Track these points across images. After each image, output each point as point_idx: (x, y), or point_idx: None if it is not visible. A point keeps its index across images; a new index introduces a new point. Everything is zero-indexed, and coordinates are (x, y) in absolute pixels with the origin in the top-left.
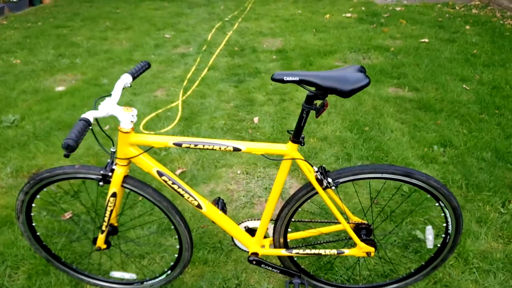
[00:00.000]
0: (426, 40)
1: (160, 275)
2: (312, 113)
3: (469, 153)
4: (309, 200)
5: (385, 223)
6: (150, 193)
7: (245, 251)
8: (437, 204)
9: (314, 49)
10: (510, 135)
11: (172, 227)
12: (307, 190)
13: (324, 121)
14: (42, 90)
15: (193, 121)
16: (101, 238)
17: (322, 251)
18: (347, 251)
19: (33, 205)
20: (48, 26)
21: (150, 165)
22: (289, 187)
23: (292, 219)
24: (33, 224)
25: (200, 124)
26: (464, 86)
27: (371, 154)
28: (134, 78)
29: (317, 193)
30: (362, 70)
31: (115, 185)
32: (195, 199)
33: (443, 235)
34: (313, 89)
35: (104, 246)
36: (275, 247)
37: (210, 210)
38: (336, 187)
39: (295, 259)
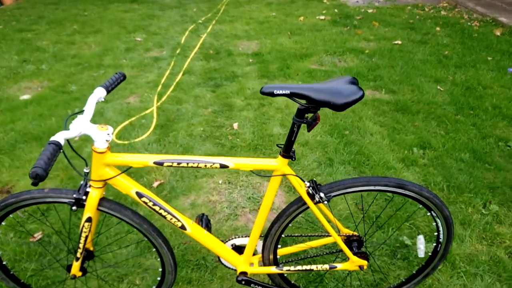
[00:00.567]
0: (399, 42)
1: None
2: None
3: (448, 155)
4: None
5: (372, 231)
6: (129, 215)
7: (232, 269)
8: (428, 213)
9: (290, 52)
10: (486, 135)
11: (154, 249)
12: (298, 205)
13: (304, 126)
14: (5, 99)
15: (169, 129)
16: (75, 265)
17: (313, 267)
18: (339, 266)
19: None
20: (11, 30)
21: (128, 186)
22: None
23: (282, 235)
24: None
25: (177, 132)
26: (438, 87)
27: (352, 158)
28: (108, 91)
29: (308, 207)
30: (354, 81)
31: (90, 209)
32: (179, 220)
33: (434, 244)
34: (304, 102)
35: (80, 273)
36: (264, 264)
37: (195, 231)
38: (328, 201)
39: (285, 275)
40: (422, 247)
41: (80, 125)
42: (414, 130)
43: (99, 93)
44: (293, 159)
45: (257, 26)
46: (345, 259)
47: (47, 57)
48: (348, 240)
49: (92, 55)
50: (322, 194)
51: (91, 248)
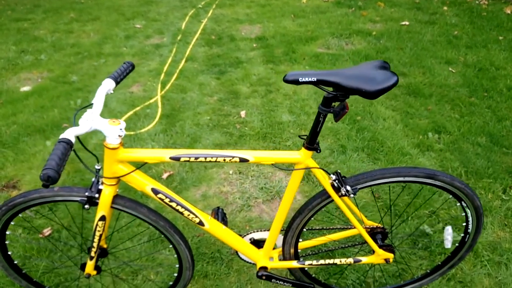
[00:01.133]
0: (407, 23)
1: None
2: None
3: (464, 139)
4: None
5: (394, 223)
6: (145, 213)
7: (249, 262)
8: (458, 204)
9: (295, 35)
10: (502, 118)
11: (170, 246)
12: (321, 198)
13: (314, 112)
14: (5, 91)
15: (175, 118)
16: (90, 264)
17: (337, 261)
18: (364, 259)
19: (8, 232)
20: (6, 20)
21: (143, 183)
22: (285, 186)
23: (304, 229)
24: (9, 253)
25: (184, 121)
26: (450, 69)
27: (366, 145)
28: (117, 83)
29: (332, 201)
30: (385, 66)
31: (103, 208)
32: (196, 216)
33: (462, 234)
34: (330, 89)
35: (94, 272)
36: (284, 258)
37: (213, 227)
38: (354, 194)
39: (306, 269)
40: (449, 238)
41: (91, 120)
42: (427, 114)
43: (108, 84)
44: (318, 151)
45: (258, 9)
46: (369, 251)
47: (45, 47)
48: (372, 233)
49: (92, 43)
50: (348, 187)
51: (105, 246)
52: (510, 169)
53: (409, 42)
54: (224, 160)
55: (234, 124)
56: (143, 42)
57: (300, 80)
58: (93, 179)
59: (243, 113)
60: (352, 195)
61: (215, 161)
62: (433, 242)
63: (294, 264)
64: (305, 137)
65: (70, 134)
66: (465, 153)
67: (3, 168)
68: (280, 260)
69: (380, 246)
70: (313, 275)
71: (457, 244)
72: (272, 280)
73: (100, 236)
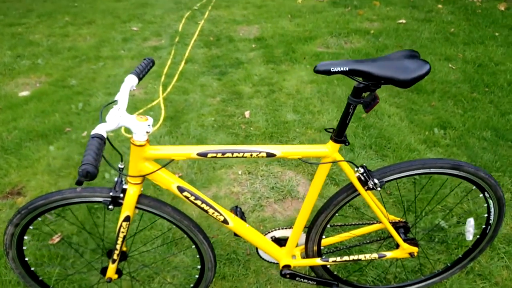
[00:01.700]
0: (404, 21)
1: None
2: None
3: (470, 134)
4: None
5: (410, 217)
6: (170, 212)
7: (268, 261)
8: (481, 195)
9: (293, 35)
10: (505, 112)
11: (193, 246)
12: (347, 193)
13: (318, 111)
14: (3, 97)
15: (179, 120)
16: (112, 268)
17: (361, 256)
18: (389, 254)
19: (26, 237)
20: (0, 25)
21: (169, 181)
22: (296, 184)
23: (328, 225)
24: (26, 259)
25: (188, 123)
26: (450, 65)
27: (373, 142)
28: (140, 79)
29: (357, 195)
30: (416, 55)
31: (128, 208)
32: (221, 214)
33: (483, 226)
34: (360, 79)
35: (115, 276)
36: (307, 256)
37: (237, 225)
38: (381, 187)
39: (328, 266)
40: (471, 230)
41: (118, 117)
42: (431, 110)
43: (131, 81)
44: (347, 143)
45: (255, 10)
46: (391, 247)
47: (41, 51)
48: (395, 227)
49: (89, 47)
50: (376, 180)
51: (124, 248)
52: None
53: (407, 39)
54: (251, 155)
55: (239, 125)
56: (141, 44)
57: (332, 70)
58: (115, 179)
59: (247, 114)
60: (379, 188)
61: (242, 156)
62: (449, 236)
63: (318, 261)
64: (331, 130)
65: (101, 129)
66: (472, 147)
67: (6, 175)
68: (302, 257)
69: (404, 240)
70: (335, 273)
71: (478, 236)
72: (297, 279)
73: (124, 237)
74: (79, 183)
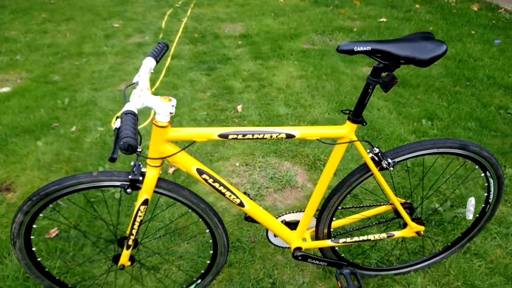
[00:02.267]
0: (384, 20)
1: (189, 286)
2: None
3: (455, 124)
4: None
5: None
6: (187, 195)
7: (281, 247)
8: (482, 174)
9: (278, 33)
10: (486, 104)
11: (207, 230)
12: (360, 173)
13: (310, 105)
14: None
15: None
16: (126, 254)
17: (371, 237)
18: (397, 234)
19: (34, 226)
20: None
21: (189, 163)
22: (294, 174)
23: (339, 207)
24: (33, 249)
25: (181, 117)
26: None
27: (365, 133)
28: (157, 61)
29: (369, 176)
30: (431, 36)
31: (147, 191)
32: (237, 197)
33: (482, 205)
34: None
35: (129, 263)
36: (317, 238)
37: (252, 207)
38: (393, 167)
39: (336, 248)
40: (472, 209)
41: (143, 97)
42: (418, 103)
43: (149, 63)
44: (364, 123)
45: (238, 9)
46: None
47: (19, 47)
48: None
49: (69, 43)
50: (389, 160)
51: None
52: (502, 150)
53: (389, 37)
54: (271, 136)
55: (232, 119)
56: (124, 41)
57: (355, 50)
58: (132, 163)
59: (239, 108)
60: (391, 168)
61: (262, 137)
62: (445, 218)
63: (328, 243)
64: (347, 111)
65: (131, 107)
66: (458, 137)
67: None
68: (312, 240)
69: (411, 220)
70: (342, 255)
71: (477, 215)
72: (308, 260)
73: (141, 222)
74: (112, 160)
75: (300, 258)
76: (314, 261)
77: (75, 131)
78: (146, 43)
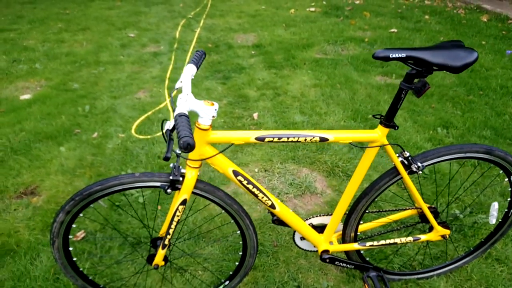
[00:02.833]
0: (395, 30)
1: (217, 287)
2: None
3: (471, 133)
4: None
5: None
6: (221, 196)
7: (307, 250)
8: (506, 179)
9: (291, 43)
10: (501, 113)
11: (238, 231)
12: (390, 177)
13: (325, 112)
14: (4, 100)
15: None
16: (161, 254)
17: (397, 240)
18: (423, 237)
19: (74, 225)
20: None
21: (226, 165)
22: (313, 181)
23: (367, 210)
24: (70, 249)
25: None
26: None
27: None
28: (197, 67)
29: (398, 180)
30: (462, 44)
31: (186, 191)
32: (269, 199)
33: (505, 210)
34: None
35: (162, 263)
36: (344, 241)
37: (283, 210)
38: (421, 171)
39: (362, 252)
40: (495, 213)
41: (188, 102)
42: (432, 112)
43: (191, 70)
44: (396, 128)
45: (249, 19)
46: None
47: (38, 56)
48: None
49: (87, 52)
50: (419, 163)
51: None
52: None
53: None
54: (305, 140)
55: (249, 126)
56: (139, 50)
57: (390, 56)
58: (171, 165)
59: (255, 115)
60: (420, 172)
61: (297, 140)
62: (465, 224)
63: (355, 246)
64: (378, 116)
65: (183, 110)
66: None
67: (18, 175)
68: (339, 243)
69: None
70: (367, 259)
71: (500, 220)
72: (336, 263)
73: (178, 221)
74: (166, 159)
75: (328, 260)
76: (341, 263)
77: (97, 137)
78: (162, 53)
